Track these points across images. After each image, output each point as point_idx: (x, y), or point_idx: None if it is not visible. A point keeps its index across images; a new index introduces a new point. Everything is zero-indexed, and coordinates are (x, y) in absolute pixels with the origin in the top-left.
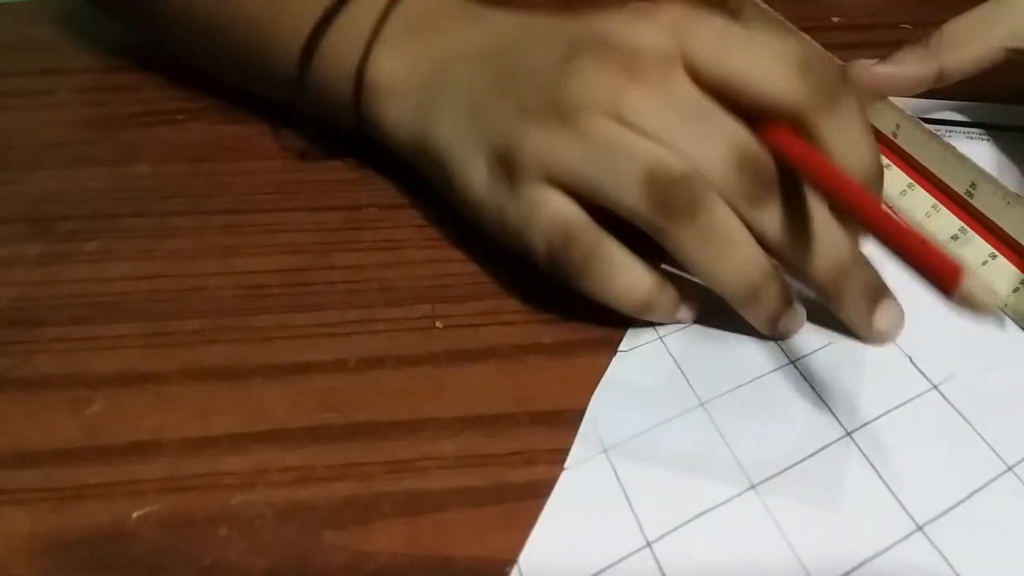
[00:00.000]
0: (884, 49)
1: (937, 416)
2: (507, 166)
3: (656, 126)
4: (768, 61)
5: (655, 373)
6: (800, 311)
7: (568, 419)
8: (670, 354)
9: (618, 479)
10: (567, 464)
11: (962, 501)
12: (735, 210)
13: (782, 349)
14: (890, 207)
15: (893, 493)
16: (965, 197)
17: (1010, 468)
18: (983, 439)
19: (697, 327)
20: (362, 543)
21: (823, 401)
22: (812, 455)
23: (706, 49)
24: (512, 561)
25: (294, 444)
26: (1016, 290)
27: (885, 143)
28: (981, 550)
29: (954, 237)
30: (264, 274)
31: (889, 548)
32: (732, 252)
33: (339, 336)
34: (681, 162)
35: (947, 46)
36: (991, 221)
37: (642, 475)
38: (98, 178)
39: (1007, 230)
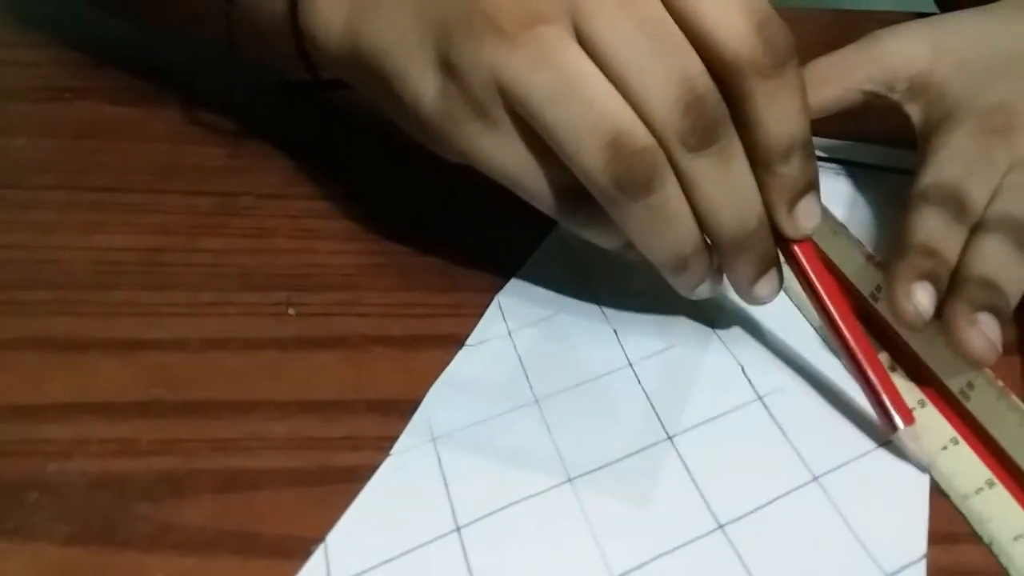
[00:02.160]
0: None
1: (757, 425)
2: (460, 79)
3: (611, 44)
4: (730, 7)
5: (497, 368)
6: (714, 281)
7: (403, 409)
8: (516, 351)
9: (440, 467)
10: (393, 450)
11: (765, 505)
12: (667, 149)
13: (623, 351)
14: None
15: (701, 493)
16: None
17: (816, 478)
18: (795, 450)
19: (547, 326)
20: (171, 516)
21: (651, 404)
22: (631, 455)
23: None
24: (320, 539)
25: (120, 417)
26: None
27: None
28: (775, 552)
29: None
30: (123, 251)
31: (687, 544)
32: (672, 229)
33: (186, 316)
34: (639, 129)
35: (808, 84)
36: (835, 265)
37: (464, 464)
38: None
39: (831, 257)
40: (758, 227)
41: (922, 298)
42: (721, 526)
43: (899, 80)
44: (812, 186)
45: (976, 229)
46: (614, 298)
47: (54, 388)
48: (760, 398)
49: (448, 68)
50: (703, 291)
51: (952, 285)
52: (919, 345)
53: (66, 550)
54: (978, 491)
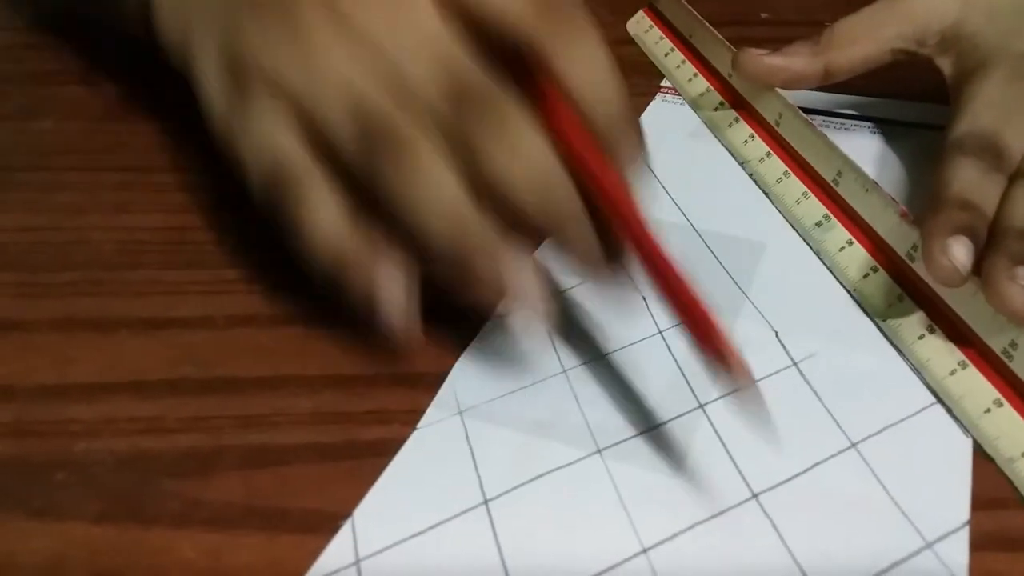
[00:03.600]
0: None
1: (792, 392)
2: (235, 70)
3: (367, 27)
4: None
5: (525, 340)
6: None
7: (429, 382)
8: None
9: (468, 440)
10: (420, 424)
11: (801, 473)
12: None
13: (653, 319)
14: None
15: (734, 462)
16: (832, 184)
17: (853, 445)
18: (831, 416)
19: (574, 295)
20: (199, 492)
21: (682, 373)
22: (662, 424)
23: None
24: (347, 514)
25: (147, 395)
26: (866, 275)
27: (768, 131)
28: (811, 521)
29: (818, 224)
30: (148, 231)
31: (721, 513)
32: (430, 190)
33: (212, 294)
34: (387, 96)
35: (835, 44)
36: (852, 208)
37: (492, 436)
38: (1, 131)
39: (864, 217)
40: (572, 208)
41: (959, 253)
42: (755, 495)
43: (930, 34)
44: (635, 149)
45: (1015, 178)
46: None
47: (81, 368)
48: (795, 363)
49: (227, 59)
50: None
51: (991, 238)
52: (958, 303)
53: (94, 528)
54: (986, 412)
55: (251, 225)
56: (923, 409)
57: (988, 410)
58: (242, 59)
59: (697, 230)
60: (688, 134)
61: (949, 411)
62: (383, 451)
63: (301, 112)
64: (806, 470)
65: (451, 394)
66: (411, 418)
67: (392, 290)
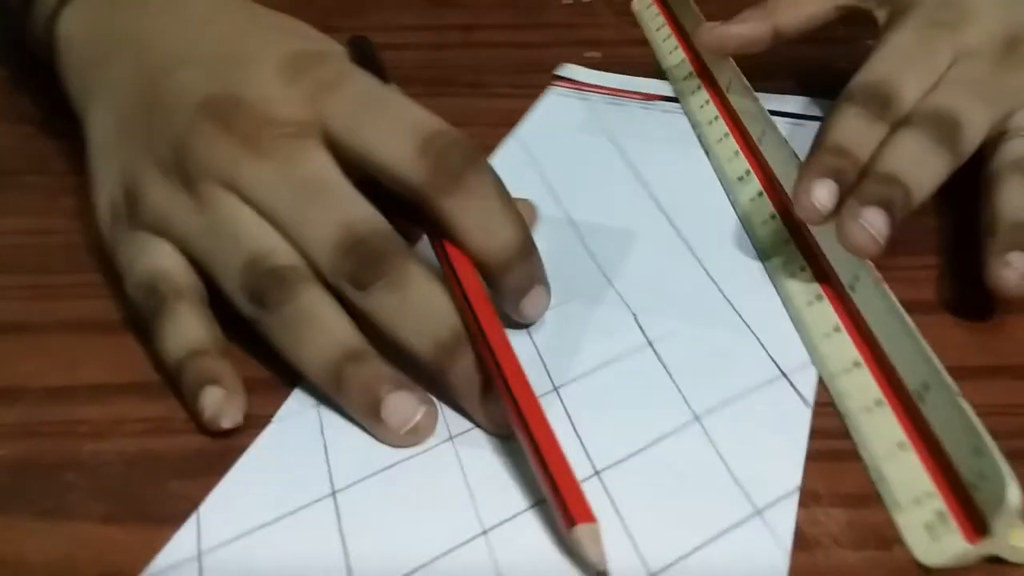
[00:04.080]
0: None
1: (644, 371)
2: (130, 207)
3: (269, 204)
4: (394, 134)
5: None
6: (412, 397)
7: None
8: None
9: (322, 432)
10: (276, 417)
11: (643, 449)
12: (341, 294)
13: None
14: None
15: (581, 441)
16: (756, 143)
17: (697, 418)
18: (679, 391)
19: None
20: (206, 493)
21: (540, 357)
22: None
23: (342, 119)
24: None
25: (156, 396)
26: (764, 222)
27: (719, 97)
28: (646, 491)
29: (740, 178)
30: None
31: None
32: (311, 334)
33: (219, 295)
34: (281, 253)
35: (782, 5)
36: (767, 163)
37: (347, 429)
38: (5, 136)
39: (774, 170)
40: (451, 339)
41: (821, 194)
42: (597, 472)
43: None
44: (534, 282)
45: (899, 125)
46: None
47: (88, 369)
48: (650, 343)
49: (124, 191)
50: (388, 413)
51: (857, 181)
52: (821, 240)
53: (103, 528)
54: (846, 371)
55: None
56: (769, 382)
57: (828, 334)
58: (139, 202)
59: (574, 221)
60: (577, 127)
61: (792, 385)
62: None
63: (193, 257)
64: (648, 446)
65: (310, 387)
66: None
67: (211, 396)
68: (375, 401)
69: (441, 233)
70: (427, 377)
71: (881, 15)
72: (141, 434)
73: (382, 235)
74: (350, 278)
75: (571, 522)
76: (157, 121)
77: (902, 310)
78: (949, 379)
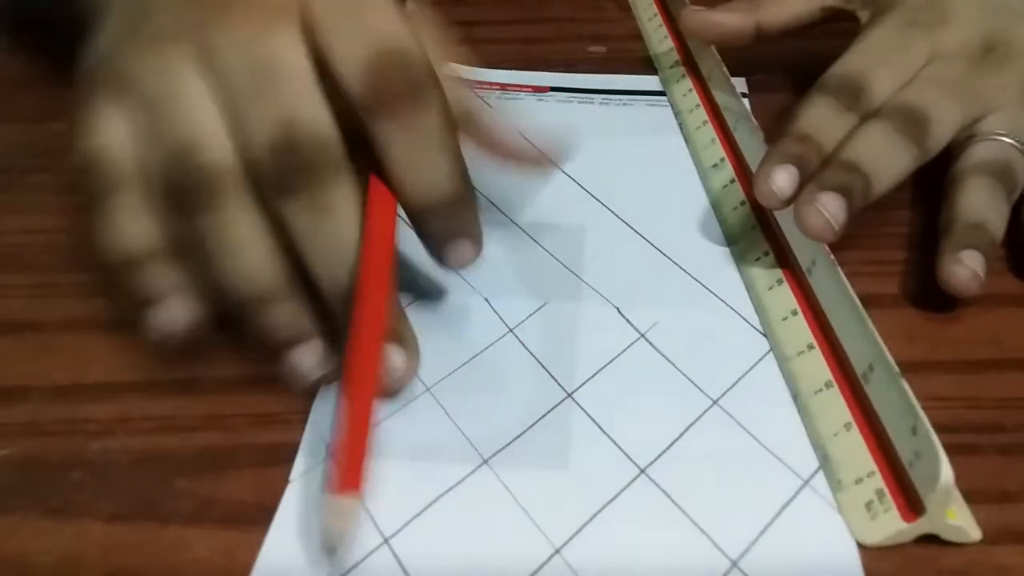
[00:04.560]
0: None
1: (647, 363)
2: (105, 73)
3: (222, 77)
4: (355, 40)
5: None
6: (313, 353)
7: None
8: None
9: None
10: (292, 476)
11: (676, 440)
12: (262, 193)
13: (500, 318)
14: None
15: (616, 443)
16: (731, 131)
17: (715, 402)
18: (688, 379)
19: (412, 312)
20: (212, 491)
21: (542, 366)
22: (538, 421)
23: (319, 9)
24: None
25: (162, 395)
26: (735, 208)
27: (702, 85)
28: (699, 482)
29: (714, 165)
30: None
31: (616, 497)
32: (230, 259)
33: None
34: (214, 148)
35: (768, 1)
36: (740, 151)
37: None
38: (14, 134)
39: (746, 157)
40: (351, 287)
41: (780, 179)
42: (643, 470)
43: None
44: (459, 236)
45: (867, 117)
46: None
47: (95, 368)
48: (642, 335)
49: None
50: (297, 360)
51: (820, 168)
52: (784, 225)
53: (110, 527)
54: (800, 353)
55: None
56: (765, 355)
57: (785, 318)
58: (113, 64)
59: (519, 224)
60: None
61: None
62: None
63: (138, 131)
64: (680, 435)
65: (316, 438)
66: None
67: (169, 309)
68: (277, 351)
69: (373, 160)
70: None
71: (864, 15)
72: (148, 432)
73: (320, 143)
74: (275, 180)
75: (339, 489)
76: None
77: (853, 294)
78: (892, 361)
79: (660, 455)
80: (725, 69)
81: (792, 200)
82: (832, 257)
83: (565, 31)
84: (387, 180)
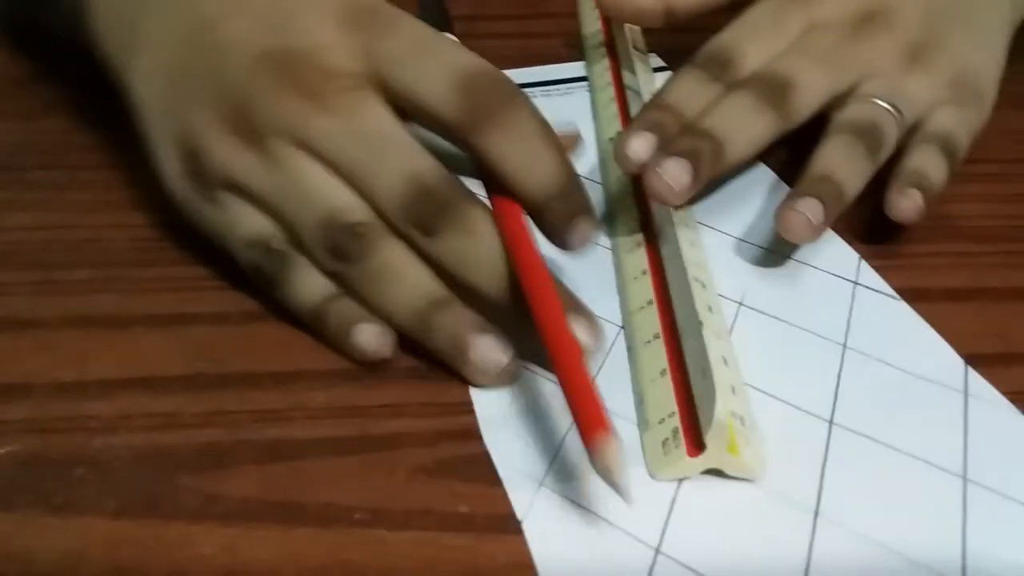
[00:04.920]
0: None
1: (759, 327)
2: (197, 165)
3: (337, 157)
4: (433, 74)
5: (520, 397)
6: (496, 341)
7: (441, 375)
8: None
9: (577, 504)
10: (523, 519)
11: (837, 384)
12: (411, 240)
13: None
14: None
15: (794, 405)
16: (630, 108)
17: (844, 345)
18: (809, 331)
19: None
20: (216, 487)
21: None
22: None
23: (393, 65)
24: (361, 507)
25: (164, 391)
26: (618, 178)
27: (616, 64)
28: (877, 418)
29: (611, 139)
30: (162, 228)
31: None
32: (396, 287)
33: (227, 289)
34: (356, 210)
35: None
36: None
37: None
38: (14, 131)
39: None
40: (514, 286)
41: (635, 145)
42: (831, 422)
43: None
44: (575, 216)
45: (732, 87)
46: None
47: (98, 365)
48: (740, 303)
49: (188, 152)
50: (479, 357)
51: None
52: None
53: (113, 524)
54: (640, 308)
55: None
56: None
57: (636, 278)
58: (206, 160)
59: None
60: None
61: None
62: (396, 444)
63: (270, 213)
64: (838, 383)
65: (512, 472)
66: (423, 411)
67: (369, 332)
68: (464, 345)
69: (487, 175)
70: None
71: None
72: (151, 429)
73: (446, 182)
74: (420, 226)
75: (588, 438)
76: (212, 74)
77: (684, 257)
78: (704, 316)
79: (835, 404)
80: (633, 47)
81: (642, 164)
82: (675, 219)
83: (564, 26)
84: (507, 184)
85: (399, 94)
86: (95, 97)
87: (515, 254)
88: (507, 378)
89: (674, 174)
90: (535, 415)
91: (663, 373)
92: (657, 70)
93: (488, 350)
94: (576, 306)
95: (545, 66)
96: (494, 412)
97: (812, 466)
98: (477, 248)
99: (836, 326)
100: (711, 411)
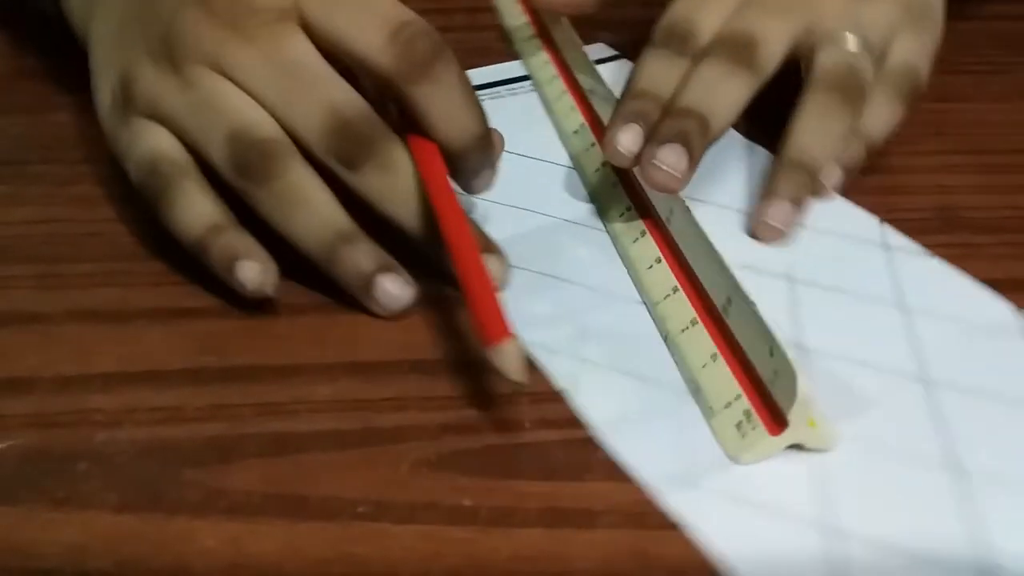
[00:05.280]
0: None
1: (803, 295)
2: (125, 95)
3: (256, 86)
4: (365, 23)
5: (632, 398)
6: (399, 279)
7: (445, 369)
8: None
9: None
10: (686, 521)
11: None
12: (330, 171)
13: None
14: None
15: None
16: (588, 97)
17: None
18: (860, 298)
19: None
20: (219, 481)
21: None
22: None
23: (317, 6)
24: (365, 501)
25: (167, 385)
26: (597, 170)
27: (557, 57)
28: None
29: (575, 131)
30: None
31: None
32: (304, 214)
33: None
34: (266, 126)
35: None
36: (598, 116)
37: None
38: (16, 125)
39: (603, 120)
40: (430, 222)
41: (625, 139)
42: (926, 382)
43: None
44: (487, 166)
45: (698, 58)
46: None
47: (101, 358)
48: (787, 276)
49: (120, 83)
50: (380, 291)
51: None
52: (641, 179)
53: (117, 518)
54: (665, 297)
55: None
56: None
57: (650, 266)
58: (132, 88)
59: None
60: None
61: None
62: (400, 438)
63: (182, 135)
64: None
65: (656, 475)
66: (428, 404)
67: (250, 270)
68: (367, 282)
69: (408, 118)
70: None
71: None
72: (154, 423)
73: (368, 118)
74: (341, 158)
75: (490, 341)
76: (147, 16)
77: (707, 235)
78: (747, 293)
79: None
80: (576, 36)
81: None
82: (687, 204)
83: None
84: (431, 131)
85: (327, 36)
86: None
87: (432, 188)
88: (401, 311)
89: (671, 161)
90: (654, 414)
91: (714, 358)
92: (599, 62)
93: (392, 287)
94: (488, 244)
95: (484, 67)
96: (610, 416)
97: (923, 424)
98: (396, 182)
99: (881, 287)
100: (792, 388)
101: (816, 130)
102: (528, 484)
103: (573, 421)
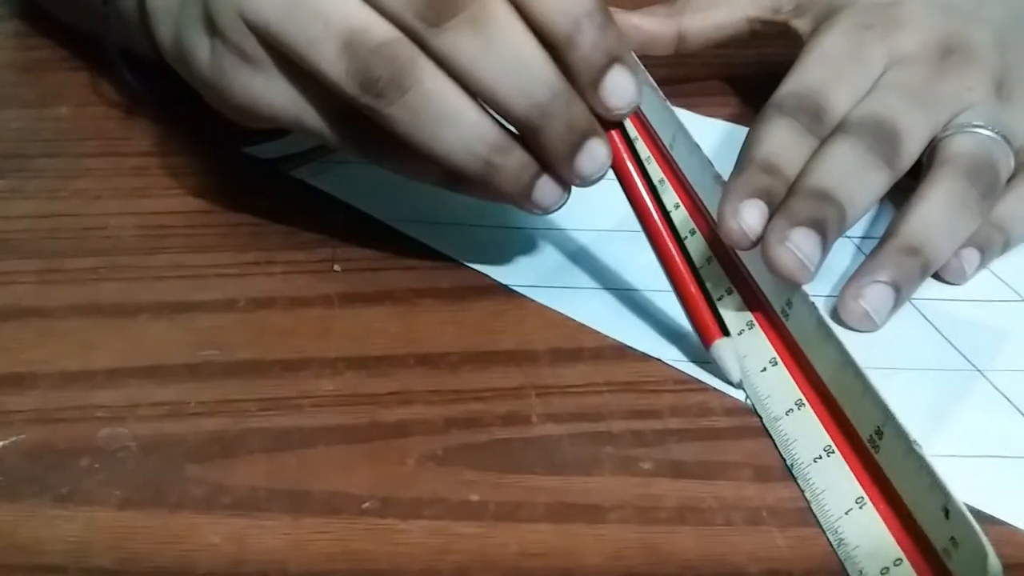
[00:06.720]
0: None
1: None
2: (220, 36)
3: None
4: None
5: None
6: (555, 182)
7: (452, 362)
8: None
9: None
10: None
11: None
12: (413, 36)
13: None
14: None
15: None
16: (668, 149)
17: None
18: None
19: None
20: (223, 476)
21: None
22: None
23: None
24: (371, 496)
25: (170, 380)
26: (685, 237)
27: None
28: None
29: (661, 181)
30: (168, 215)
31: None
32: (451, 127)
33: (233, 277)
34: (381, 26)
35: (690, 9)
36: (680, 171)
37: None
38: (19, 119)
39: (688, 178)
40: (551, 96)
41: (749, 216)
42: (980, 370)
43: (784, 0)
44: (614, 58)
45: (829, 136)
46: None
47: (104, 354)
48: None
49: (209, 25)
50: (540, 198)
51: (784, 198)
52: (750, 262)
53: (120, 514)
54: (788, 412)
55: (268, 208)
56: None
57: (764, 368)
58: (222, 13)
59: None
60: None
61: None
62: (405, 432)
63: (292, 54)
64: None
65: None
66: (433, 397)
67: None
68: (527, 188)
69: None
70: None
71: (801, 24)
72: (157, 418)
73: None
74: (422, 14)
75: (709, 340)
76: None
77: (843, 343)
78: (903, 425)
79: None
80: (651, 78)
81: (759, 238)
82: (811, 299)
83: None
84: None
85: None
86: (100, 85)
87: (634, 195)
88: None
89: (807, 248)
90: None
91: (860, 503)
92: None
93: (551, 191)
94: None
95: None
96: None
97: None
98: (496, 49)
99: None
100: (979, 565)
101: (939, 214)
102: (536, 479)
103: (581, 415)
